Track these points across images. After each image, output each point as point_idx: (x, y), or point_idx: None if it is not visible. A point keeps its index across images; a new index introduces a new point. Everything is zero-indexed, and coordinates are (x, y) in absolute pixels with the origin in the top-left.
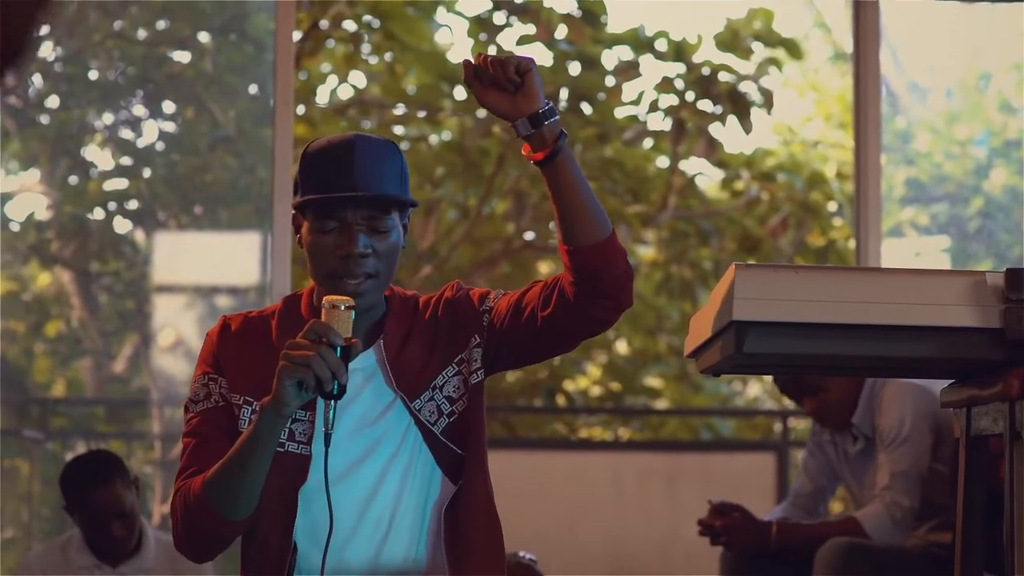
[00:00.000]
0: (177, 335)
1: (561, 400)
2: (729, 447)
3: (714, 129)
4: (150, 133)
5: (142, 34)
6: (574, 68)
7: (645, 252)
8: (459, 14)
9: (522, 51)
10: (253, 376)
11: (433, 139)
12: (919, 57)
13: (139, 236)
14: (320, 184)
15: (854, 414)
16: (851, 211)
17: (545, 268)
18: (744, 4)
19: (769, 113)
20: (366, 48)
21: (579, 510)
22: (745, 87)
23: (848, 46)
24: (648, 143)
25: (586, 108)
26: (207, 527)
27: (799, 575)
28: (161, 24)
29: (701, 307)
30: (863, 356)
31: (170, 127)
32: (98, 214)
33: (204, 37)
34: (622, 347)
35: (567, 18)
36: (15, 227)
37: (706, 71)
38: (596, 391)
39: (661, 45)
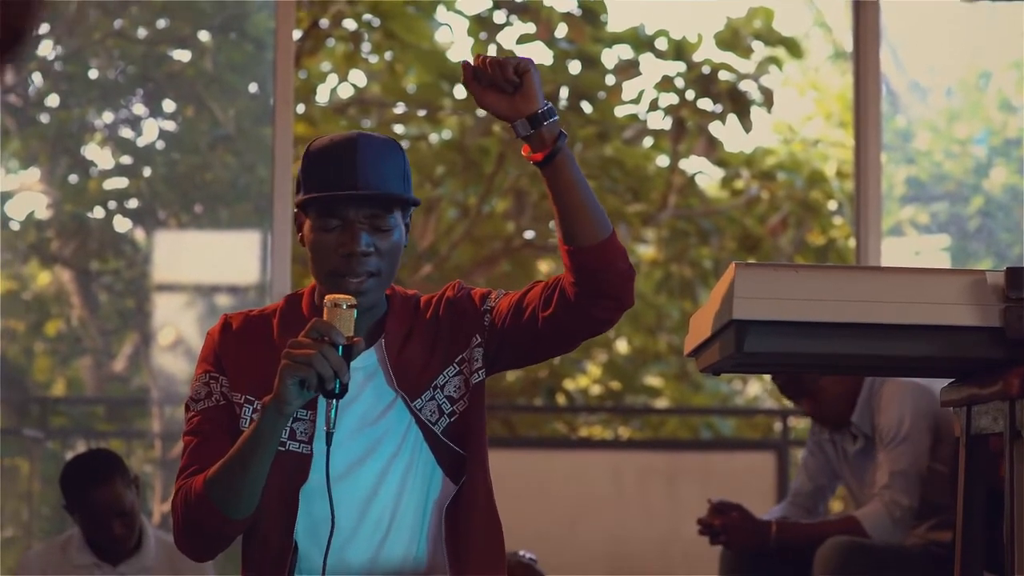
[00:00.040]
0: (177, 334)
1: (561, 399)
2: (729, 446)
3: (714, 128)
4: (150, 132)
5: (142, 33)
6: (574, 67)
7: (645, 251)
8: (459, 13)
9: (522, 50)
10: (254, 375)
11: (433, 138)
12: (919, 56)
13: (139, 235)
14: (322, 182)
15: (853, 413)
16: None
17: (545, 267)
18: (744, 3)
19: (769, 112)
20: (366, 47)
21: (579, 509)
22: (745, 86)
23: (848, 45)
24: (648, 142)
25: (586, 107)
26: (208, 526)
27: (799, 574)
28: (161, 23)
29: (701, 306)
30: (863, 355)
31: (170, 126)
32: (98, 213)
33: (204, 36)
34: (622, 346)
35: (567, 17)
36: (15, 226)
37: (706, 70)
38: (596, 390)
39: (661, 44)
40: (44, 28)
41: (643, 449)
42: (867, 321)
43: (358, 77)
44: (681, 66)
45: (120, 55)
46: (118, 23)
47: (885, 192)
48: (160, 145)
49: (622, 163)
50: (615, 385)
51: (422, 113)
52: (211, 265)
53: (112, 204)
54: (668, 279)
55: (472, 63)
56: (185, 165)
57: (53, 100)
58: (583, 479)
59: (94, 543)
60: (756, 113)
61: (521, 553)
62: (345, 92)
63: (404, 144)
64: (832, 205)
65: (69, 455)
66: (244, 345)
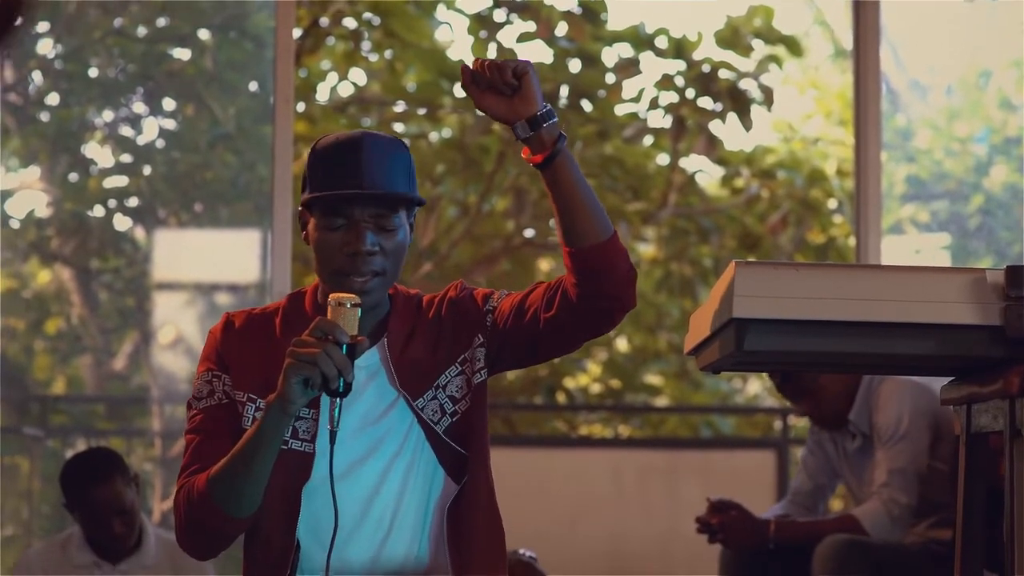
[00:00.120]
0: (177, 332)
1: (561, 397)
2: (729, 444)
3: (714, 126)
4: (150, 130)
5: (142, 31)
6: (574, 65)
7: (645, 249)
8: (459, 11)
9: (522, 48)
10: (257, 373)
11: (433, 136)
12: (919, 54)
13: (139, 233)
14: (328, 181)
15: (850, 413)
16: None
17: (545, 265)
18: (744, 1)
19: (769, 110)
20: (366, 45)
21: (579, 508)
22: (745, 84)
23: (848, 43)
24: (648, 140)
25: (586, 105)
26: (211, 524)
27: (798, 572)
28: (161, 21)
29: (701, 304)
30: (863, 353)
31: (170, 124)
32: (98, 211)
33: (204, 34)
34: (622, 344)
35: (567, 15)
36: (15, 224)
37: (706, 68)
38: (596, 388)
39: (661, 42)
40: (44, 26)
41: (643, 447)
42: (867, 319)
43: (358, 76)
44: (681, 64)
45: (120, 53)
46: (118, 21)
47: (885, 190)
48: (160, 143)
49: (622, 161)
50: (615, 383)
51: (422, 111)
52: (211, 264)
53: (112, 202)
54: (668, 277)
55: (471, 66)
56: (185, 164)
57: (53, 98)
58: (583, 477)
59: (94, 541)
60: (756, 111)
61: (521, 552)
62: (345, 91)
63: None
64: (832, 203)
65: (69, 453)
66: (247, 343)
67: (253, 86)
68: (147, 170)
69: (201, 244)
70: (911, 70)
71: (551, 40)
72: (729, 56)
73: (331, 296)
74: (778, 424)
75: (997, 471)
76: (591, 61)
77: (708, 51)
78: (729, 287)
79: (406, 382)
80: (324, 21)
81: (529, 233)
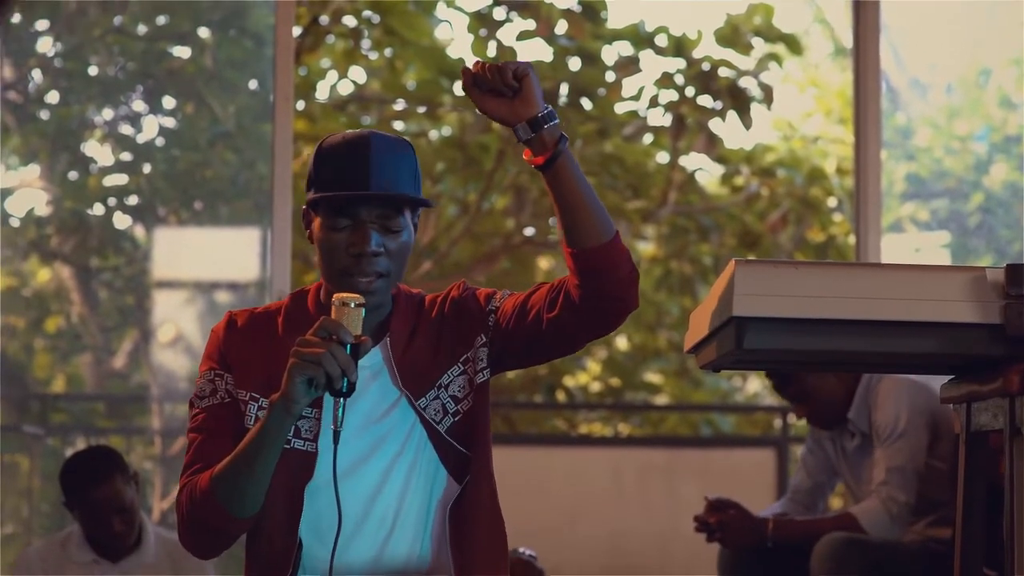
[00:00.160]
0: (177, 331)
1: (561, 396)
2: (729, 443)
3: (714, 125)
4: (150, 129)
5: (142, 29)
6: (574, 64)
7: (645, 248)
8: (459, 10)
9: (522, 46)
10: (259, 372)
11: (433, 135)
12: (919, 53)
13: (139, 232)
14: (335, 181)
15: (849, 411)
16: (851, 207)
17: (545, 264)
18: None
19: (769, 109)
20: (366, 44)
21: (579, 506)
22: (745, 83)
23: (848, 41)
24: (648, 139)
25: (586, 104)
26: (213, 524)
27: (797, 571)
28: (161, 20)
29: (701, 303)
30: (863, 352)
31: (170, 123)
32: (98, 210)
33: (204, 32)
34: (622, 343)
35: (567, 13)
36: (15, 223)
37: (706, 66)
38: (596, 387)
39: (661, 40)
40: (44, 25)
41: (643, 446)
42: (867, 318)
43: (358, 74)
44: (681, 63)
45: (120, 52)
46: (118, 20)
47: (885, 189)
48: (160, 142)
49: (622, 160)
50: (615, 382)
51: (422, 110)
52: (211, 262)
53: (112, 201)
54: (668, 276)
55: (472, 69)
56: (185, 162)
57: (53, 97)
58: (583, 476)
59: (94, 540)
60: (756, 110)
61: (521, 550)
62: (345, 89)
63: None
64: (832, 202)
65: (69, 452)
66: (249, 342)
67: (253, 84)
68: (147, 168)
69: (201, 242)
70: (911, 68)
71: (551, 38)
72: (729, 54)
73: (335, 296)
74: (778, 422)
75: (997, 470)
76: (591, 59)
77: (708, 49)
78: (729, 285)
79: (408, 381)
80: (324, 19)
81: (529, 231)
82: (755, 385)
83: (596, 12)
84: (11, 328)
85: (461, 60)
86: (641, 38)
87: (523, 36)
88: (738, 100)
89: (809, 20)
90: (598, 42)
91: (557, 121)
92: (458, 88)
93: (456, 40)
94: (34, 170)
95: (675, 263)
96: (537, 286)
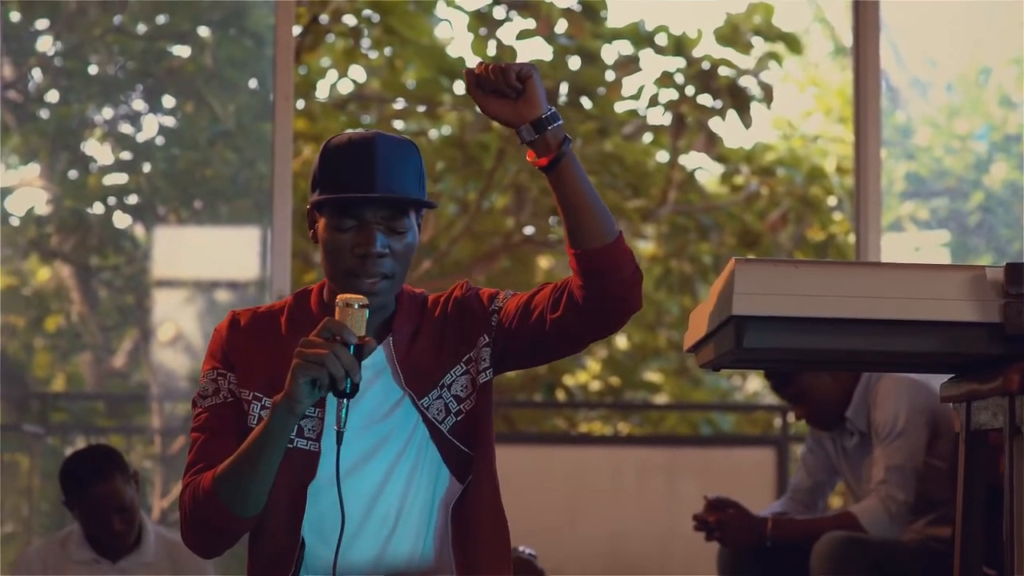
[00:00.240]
0: (177, 330)
1: (561, 395)
2: (729, 442)
3: (714, 124)
4: (150, 128)
5: (142, 28)
6: (574, 63)
7: (645, 247)
8: (459, 8)
9: (522, 45)
10: (263, 372)
11: (433, 134)
12: (919, 51)
13: (139, 231)
14: (340, 182)
15: (847, 410)
16: (851, 206)
17: (545, 263)
18: None
19: (769, 108)
20: (366, 43)
21: (579, 505)
22: (745, 82)
23: (848, 40)
24: (648, 138)
25: (586, 103)
26: (216, 523)
27: (796, 570)
28: (161, 19)
29: (701, 302)
30: (863, 351)
31: (170, 122)
32: (98, 209)
33: (204, 31)
34: (622, 342)
35: (567, 12)
36: (15, 222)
37: (706, 66)
38: (596, 386)
39: (661, 40)
40: (44, 24)
41: (642, 445)
42: (867, 317)
43: (358, 73)
44: (681, 62)
45: (120, 51)
46: (118, 19)
47: (885, 188)
48: (160, 141)
49: (622, 159)
50: (615, 381)
51: (422, 109)
52: (211, 261)
53: (112, 200)
54: (668, 275)
55: (475, 70)
56: (185, 161)
57: (53, 96)
58: (583, 475)
59: (94, 539)
60: (756, 109)
61: (521, 549)
62: (345, 88)
63: None
64: (832, 201)
65: (69, 451)
66: (252, 342)
67: (253, 83)
68: (147, 167)
69: (201, 241)
70: (911, 67)
71: (551, 37)
72: (729, 53)
73: (339, 297)
74: (778, 421)
75: (997, 468)
76: (591, 58)
77: (708, 48)
78: (729, 284)
79: (411, 381)
80: (324, 18)
81: (529, 230)
82: (755, 384)
83: (596, 11)
84: (11, 327)
85: (461, 59)
86: (641, 37)
87: (523, 35)
88: (738, 99)
89: (809, 19)
90: (598, 41)
91: (561, 122)
92: (458, 87)
93: (456, 39)
94: (34, 169)
95: (675, 262)
96: (541, 286)
